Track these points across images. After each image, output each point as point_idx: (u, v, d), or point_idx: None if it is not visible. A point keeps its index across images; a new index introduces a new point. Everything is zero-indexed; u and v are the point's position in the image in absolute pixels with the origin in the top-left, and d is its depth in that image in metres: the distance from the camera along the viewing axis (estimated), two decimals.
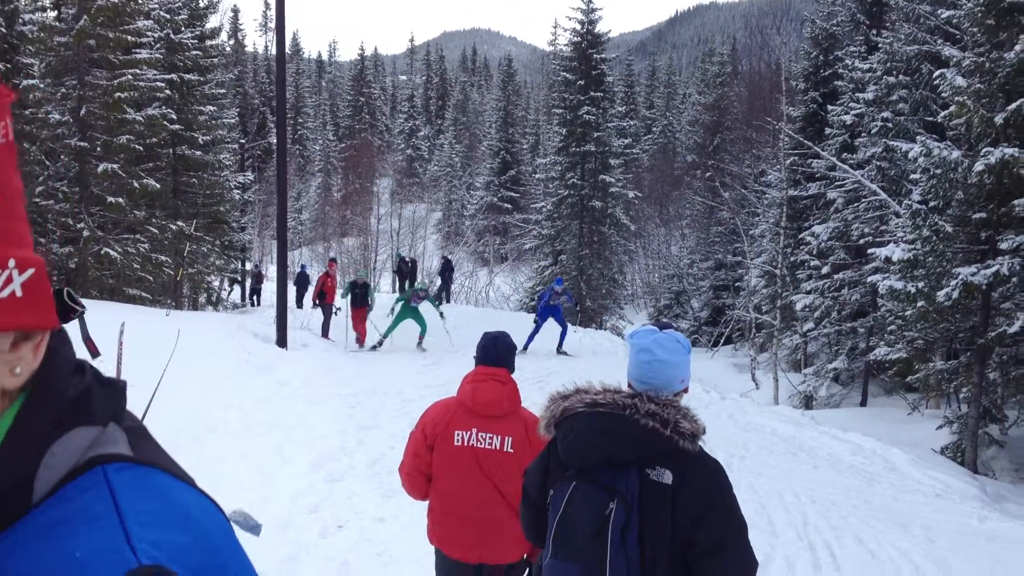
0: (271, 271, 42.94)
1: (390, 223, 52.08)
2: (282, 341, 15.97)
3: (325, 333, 18.75)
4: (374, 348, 17.52)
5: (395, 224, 52.02)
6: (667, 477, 2.29)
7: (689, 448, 2.34)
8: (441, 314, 17.83)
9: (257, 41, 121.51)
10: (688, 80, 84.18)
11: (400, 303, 17.68)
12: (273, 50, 16.30)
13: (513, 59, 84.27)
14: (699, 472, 2.32)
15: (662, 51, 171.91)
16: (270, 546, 6.18)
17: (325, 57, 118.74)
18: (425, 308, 17.70)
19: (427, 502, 3.89)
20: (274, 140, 17.92)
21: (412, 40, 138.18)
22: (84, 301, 1.05)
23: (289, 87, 74.10)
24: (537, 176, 45.51)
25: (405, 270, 33.67)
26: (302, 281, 29.75)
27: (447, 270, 30.92)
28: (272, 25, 16.82)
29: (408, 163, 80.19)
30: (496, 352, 3.90)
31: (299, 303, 27.71)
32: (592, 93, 35.20)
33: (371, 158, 63.16)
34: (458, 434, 3.70)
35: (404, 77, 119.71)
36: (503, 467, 3.66)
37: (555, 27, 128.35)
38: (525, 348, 16.62)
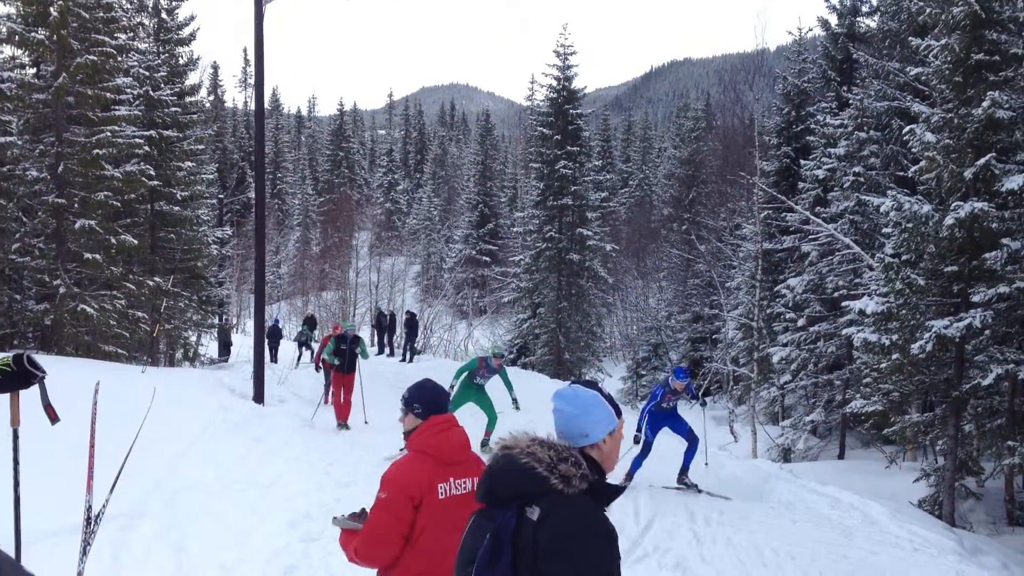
0: (246, 324, 42.80)
1: (369, 276, 52.12)
2: (259, 397, 15.90)
3: (327, 394, 17.24)
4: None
5: (374, 277, 52.06)
6: (535, 514, 2.35)
7: (563, 489, 2.39)
8: (515, 401, 12.82)
9: (237, 96, 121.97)
10: (664, 134, 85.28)
11: (461, 378, 12.85)
12: (252, 105, 16.43)
13: (491, 113, 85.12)
14: (559, 513, 2.35)
15: (638, 106, 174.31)
16: None
17: (304, 112, 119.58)
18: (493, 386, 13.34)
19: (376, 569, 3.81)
20: (253, 195, 17.89)
21: (391, 95, 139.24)
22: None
23: (268, 142, 74.67)
24: (515, 229, 45.70)
25: (384, 324, 33.65)
26: (273, 335, 29.69)
27: (411, 325, 30.83)
28: (251, 81, 16.91)
29: (387, 216, 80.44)
30: (444, 399, 3.96)
31: (272, 358, 27.62)
32: (569, 147, 35.54)
33: (350, 211, 63.33)
34: (441, 487, 3.70)
35: (383, 131, 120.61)
36: (472, 509, 3.64)
37: (532, 82, 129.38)
38: (630, 477, 11.64)
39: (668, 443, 13.30)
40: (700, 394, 11.87)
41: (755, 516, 10.43)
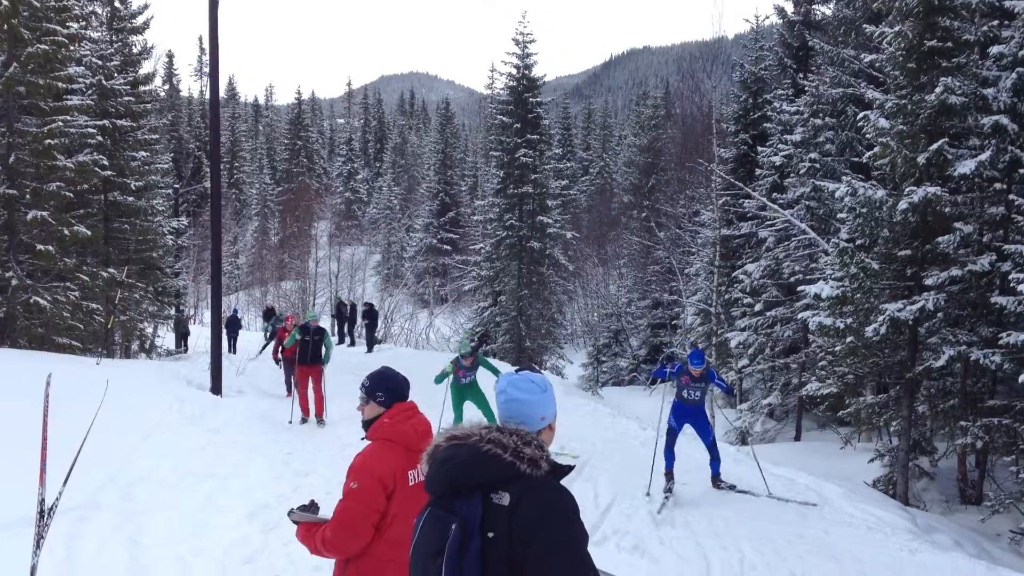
0: (204, 315, 42.40)
1: (329, 266, 51.83)
2: (216, 388, 15.77)
3: (290, 390, 16.81)
4: None
5: (334, 267, 51.77)
6: (505, 499, 2.36)
7: (530, 473, 2.41)
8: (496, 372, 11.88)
9: (192, 85, 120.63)
10: (623, 122, 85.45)
11: (445, 380, 12.39)
12: (208, 94, 16.27)
13: (451, 102, 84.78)
14: (534, 495, 2.37)
15: (598, 94, 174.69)
16: None
17: (262, 101, 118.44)
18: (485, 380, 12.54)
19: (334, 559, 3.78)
20: (209, 184, 17.68)
21: (349, 84, 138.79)
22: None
23: (225, 131, 73.92)
24: (476, 218, 45.67)
25: (345, 314, 33.49)
26: (233, 325, 29.50)
27: (368, 317, 30.70)
28: (207, 70, 16.75)
29: (347, 206, 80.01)
30: (406, 387, 3.94)
31: (231, 348, 27.39)
32: (529, 136, 35.53)
33: (309, 201, 62.96)
34: (411, 475, 3.70)
35: (342, 120, 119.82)
36: None
37: (492, 71, 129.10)
38: (669, 473, 10.78)
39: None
40: (722, 379, 11.33)
41: (712, 498, 10.54)
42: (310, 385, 14.40)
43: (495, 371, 12.14)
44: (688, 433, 11.91)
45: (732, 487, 11.00)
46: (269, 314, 32.43)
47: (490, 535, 2.35)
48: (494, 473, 2.41)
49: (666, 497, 10.22)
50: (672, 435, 10.89)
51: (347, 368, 18.62)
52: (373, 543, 3.70)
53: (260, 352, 25.90)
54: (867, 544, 8.92)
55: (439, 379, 12.27)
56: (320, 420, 14.18)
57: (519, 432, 2.51)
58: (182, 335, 31.86)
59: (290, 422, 14.11)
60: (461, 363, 12.32)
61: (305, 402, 14.38)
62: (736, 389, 25.08)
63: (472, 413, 12.21)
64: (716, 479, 11.10)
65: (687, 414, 10.90)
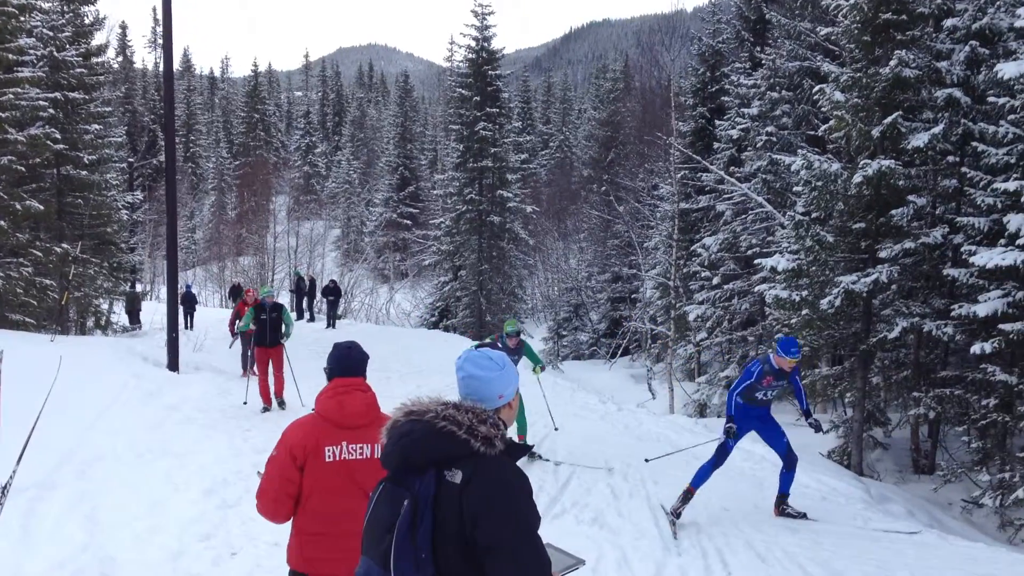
0: (160, 291, 41.92)
1: (287, 241, 51.49)
2: (173, 365, 15.64)
3: (246, 368, 16.21)
4: None
5: (292, 242, 51.44)
6: (458, 477, 2.37)
7: (484, 451, 2.42)
8: (538, 364, 11.16)
9: (146, 57, 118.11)
10: (583, 96, 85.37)
11: None
12: (162, 66, 16.08)
13: (410, 75, 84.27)
14: (485, 474, 2.38)
15: (557, 67, 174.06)
16: None
17: (218, 73, 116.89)
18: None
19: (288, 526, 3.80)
20: (164, 158, 17.45)
21: (307, 56, 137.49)
22: None
23: (180, 104, 72.92)
24: (436, 192, 45.51)
25: (303, 289, 33.28)
26: (188, 301, 29.24)
27: (332, 293, 30.58)
28: (161, 41, 16.51)
29: (305, 180, 79.37)
30: (351, 362, 3.88)
31: (187, 324, 27.14)
32: (488, 109, 35.45)
33: (267, 175, 62.45)
34: (329, 450, 3.67)
35: (300, 93, 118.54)
36: (376, 475, 3.59)
37: (451, 43, 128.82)
38: (690, 494, 8.59)
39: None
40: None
41: (670, 471, 10.64)
42: (270, 370, 13.26)
43: (536, 359, 11.08)
44: (654, 411, 11.92)
45: (803, 515, 8.82)
46: (236, 291, 32.16)
47: (442, 513, 2.36)
48: (448, 450, 2.41)
49: (672, 521, 8.30)
50: (724, 453, 8.68)
51: (305, 345, 18.52)
52: (299, 517, 3.73)
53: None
54: (822, 513, 9.07)
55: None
56: (281, 402, 13.29)
57: (475, 410, 2.51)
58: (133, 312, 31.47)
59: (244, 403, 13.31)
60: (505, 342, 10.47)
61: (266, 390, 13.21)
62: (694, 363, 25.32)
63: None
64: (783, 500, 8.90)
65: (754, 418, 8.70)
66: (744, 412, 8.57)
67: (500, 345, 10.13)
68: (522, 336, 11.04)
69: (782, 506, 8.85)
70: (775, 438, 8.71)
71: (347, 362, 3.87)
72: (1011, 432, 12.53)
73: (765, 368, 8.38)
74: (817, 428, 8.89)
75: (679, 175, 25.87)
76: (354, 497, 3.62)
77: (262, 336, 13.24)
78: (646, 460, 10.17)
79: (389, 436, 2.54)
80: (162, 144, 50.12)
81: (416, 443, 2.45)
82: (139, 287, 35.80)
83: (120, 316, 30.45)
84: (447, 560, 2.34)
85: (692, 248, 24.61)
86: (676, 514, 8.32)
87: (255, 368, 13.98)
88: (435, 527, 2.35)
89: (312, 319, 32.45)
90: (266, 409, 13.12)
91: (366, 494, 3.61)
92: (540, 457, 10.70)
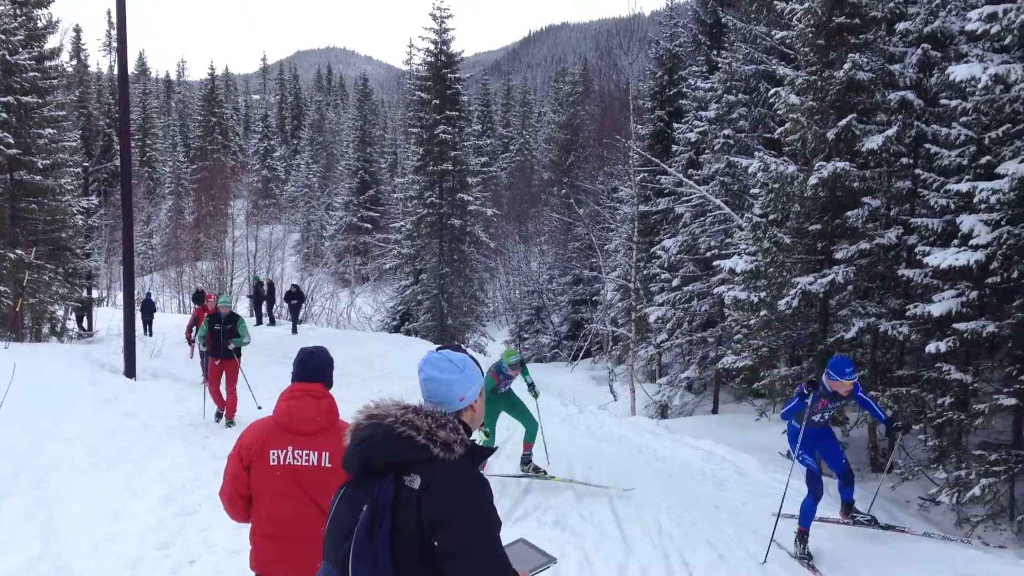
0: (117, 297, 41.39)
1: (246, 245, 50.99)
2: (130, 371, 15.47)
3: (206, 375, 14.29)
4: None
5: (251, 246, 50.94)
6: (416, 483, 2.35)
7: (443, 456, 2.40)
8: (532, 386, 10.86)
9: (101, 61, 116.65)
10: (543, 99, 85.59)
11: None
12: (116, 69, 15.82)
13: (369, 78, 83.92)
14: (443, 480, 2.36)
15: (517, 70, 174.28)
16: None
17: (174, 77, 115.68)
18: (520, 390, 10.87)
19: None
20: (120, 162, 17.23)
21: (265, 59, 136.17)
22: None
23: (135, 107, 72.01)
24: (396, 195, 45.46)
25: (262, 294, 33.03)
26: (148, 308, 28.98)
27: (295, 298, 30.42)
28: (116, 44, 16.26)
29: (264, 184, 78.79)
30: (311, 367, 3.87)
31: (146, 330, 26.82)
32: (448, 112, 35.39)
33: (225, 179, 61.84)
34: (273, 453, 3.66)
35: (257, 96, 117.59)
36: (322, 483, 3.61)
37: (410, 46, 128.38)
38: (804, 535, 8.03)
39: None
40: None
41: (633, 472, 10.70)
42: (222, 382, 12.76)
43: (530, 385, 10.79)
44: (615, 413, 11.96)
45: (871, 520, 8.73)
46: (200, 296, 31.85)
47: (401, 518, 2.33)
48: (407, 455, 2.39)
49: (811, 566, 7.67)
50: (815, 481, 8.08)
51: (266, 348, 18.39)
52: (253, 519, 3.74)
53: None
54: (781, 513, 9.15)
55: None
56: (229, 422, 12.53)
57: (435, 414, 2.48)
58: (83, 316, 31.02)
59: (204, 417, 12.76)
60: (506, 371, 10.03)
61: (218, 396, 12.80)
62: (655, 364, 25.44)
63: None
64: (850, 507, 8.73)
65: (816, 438, 8.32)
66: (809, 437, 8.19)
67: (500, 376, 10.01)
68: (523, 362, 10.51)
69: (852, 514, 8.71)
70: (834, 458, 8.48)
71: (306, 367, 3.87)
72: (966, 430, 12.70)
73: (819, 395, 8.03)
74: (907, 429, 8.89)
75: (638, 178, 26.01)
76: (301, 503, 3.62)
77: (216, 347, 12.68)
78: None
79: (351, 439, 2.51)
80: (117, 148, 49.53)
81: (375, 448, 2.42)
82: (95, 293, 35.22)
83: (73, 323, 30.00)
84: (407, 566, 2.32)
85: (652, 250, 24.74)
86: (808, 556, 7.83)
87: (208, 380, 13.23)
88: (394, 532, 2.33)
89: (272, 323, 32.22)
90: (219, 414, 12.79)
91: (313, 501, 3.60)
92: (545, 473, 10.14)
